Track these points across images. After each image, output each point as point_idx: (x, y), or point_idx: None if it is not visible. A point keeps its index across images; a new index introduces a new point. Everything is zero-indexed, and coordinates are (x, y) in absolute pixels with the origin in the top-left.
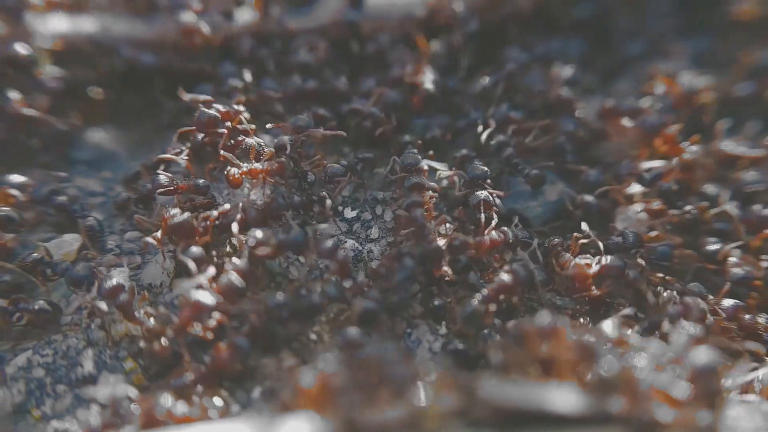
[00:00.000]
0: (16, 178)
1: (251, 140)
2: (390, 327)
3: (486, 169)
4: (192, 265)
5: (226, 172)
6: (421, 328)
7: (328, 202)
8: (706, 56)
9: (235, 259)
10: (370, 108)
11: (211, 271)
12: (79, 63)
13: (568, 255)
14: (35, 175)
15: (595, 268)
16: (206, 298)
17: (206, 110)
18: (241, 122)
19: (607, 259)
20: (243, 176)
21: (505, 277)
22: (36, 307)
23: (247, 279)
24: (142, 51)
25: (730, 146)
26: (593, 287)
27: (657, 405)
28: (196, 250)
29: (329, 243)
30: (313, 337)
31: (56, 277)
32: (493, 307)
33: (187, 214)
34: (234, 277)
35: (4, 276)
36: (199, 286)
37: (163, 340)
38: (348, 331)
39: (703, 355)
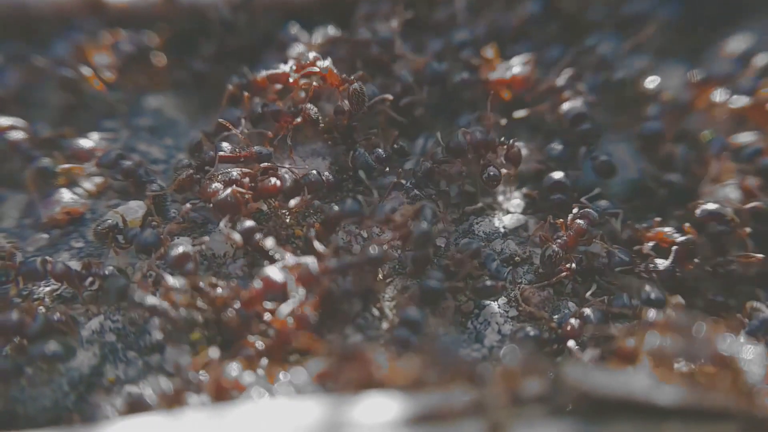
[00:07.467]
0: (86, 143)
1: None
2: (457, 307)
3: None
4: (238, 237)
5: None
6: (489, 308)
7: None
8: None
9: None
10: (401, 72)
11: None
12: (143, 28)
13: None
14: (100, 140)
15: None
16: (277, 275)
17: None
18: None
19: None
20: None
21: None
22: (107, 272)
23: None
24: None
25: None
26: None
27: None
28: (248, 223)
29: (388, 207)
30: (377, 313)
31: (127, 245)
32: None
33: (229, 190)
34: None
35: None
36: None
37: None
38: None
39: None
